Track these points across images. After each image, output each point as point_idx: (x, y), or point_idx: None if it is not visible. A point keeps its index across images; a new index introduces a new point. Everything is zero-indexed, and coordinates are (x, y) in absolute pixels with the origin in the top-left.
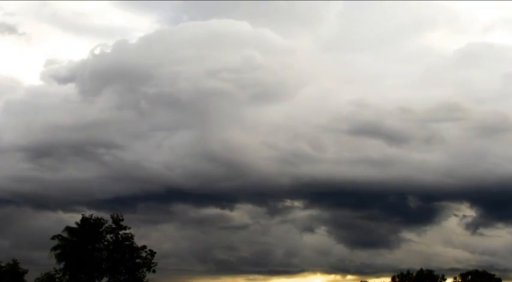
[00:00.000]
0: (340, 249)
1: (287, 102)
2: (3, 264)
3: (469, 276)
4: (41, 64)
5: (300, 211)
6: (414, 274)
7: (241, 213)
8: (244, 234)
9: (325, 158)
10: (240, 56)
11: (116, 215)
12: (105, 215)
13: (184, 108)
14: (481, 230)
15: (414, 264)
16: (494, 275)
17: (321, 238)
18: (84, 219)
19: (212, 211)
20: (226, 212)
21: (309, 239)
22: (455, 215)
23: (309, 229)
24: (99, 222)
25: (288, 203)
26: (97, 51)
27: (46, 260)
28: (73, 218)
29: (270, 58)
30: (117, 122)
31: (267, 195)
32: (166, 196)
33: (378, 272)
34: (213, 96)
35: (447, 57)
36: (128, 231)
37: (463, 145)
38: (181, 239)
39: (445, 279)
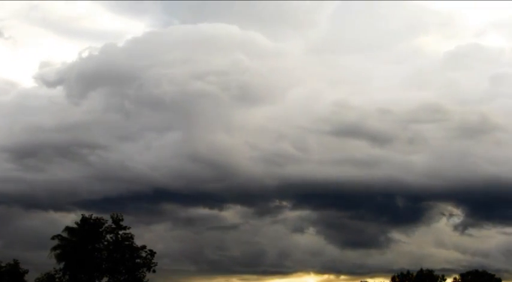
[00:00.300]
0: (331, 250)
1: (273, 104)
2: (3, 264)
3: (469, 276)
4: (31, 67)
5: (288, 212)
6: (414, 274)
7: (230, 214)
8: (234, 234)
9: (311, 159)
10: (227, 58)
11: (115, 215)
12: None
13: (170, 110)
14: (470, 230)
15: (404, 264)
16: (494, 275)
17: (311, 238)
18: (84, 219)
19: (202, 211)
20: (216, 213)
21: (299, 239)
22: (443, 214)
23: (299, 229)
24: (99, 222)
25: (276, 203)
26: (85, 54)
27: (40, 260)
28: (65, 218)
29: (258, 61)
30: (102, 124)
31: (255, 196)
32: (154, 197)
33: (370, 272)
34: (199, 99)
35: (436, 59)
36: (127, 231)
37: (445, 146)
38: (173, 240)
39: (445, 279)
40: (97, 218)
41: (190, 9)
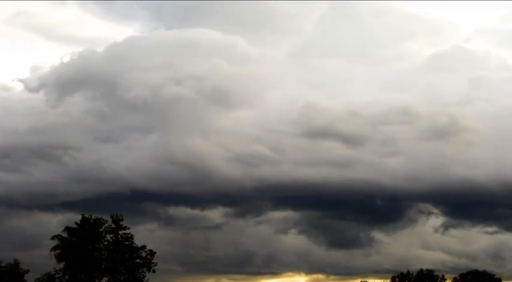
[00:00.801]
0: (316, 250)
1: (250, 108)
2: (3, 264)
3: (469, 276)
4: (17, 71)
5: (270, 212)
6: (414, 274)
7: (212, 215)
8: (218, 235)
9: (286, 160)
10: (206, 63)
11: (115, 215)
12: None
13: (147, 114)
14: (451, 231)
15: (389, 264)
16: (494, 275)
17: (295, 238)
18: (83, 219)
19: (184, 212)
20: (198, 213)
21: (283, 239)
22: (423, 215)
23: (282, 230)
24: (98, 222)
25: (257, 204)
26: (66, 59)
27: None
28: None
29: (237, 65)
30: (80, 126)
31: (234, 197)
32: (134, 198)
33: (358, 272)
34: (176, 102)
35: (418, 63)
36: (127, 231)
37: (416, 148)
38: (160, 240)
39: (445, 279)
40: (97, 218)
41: (178, 16)
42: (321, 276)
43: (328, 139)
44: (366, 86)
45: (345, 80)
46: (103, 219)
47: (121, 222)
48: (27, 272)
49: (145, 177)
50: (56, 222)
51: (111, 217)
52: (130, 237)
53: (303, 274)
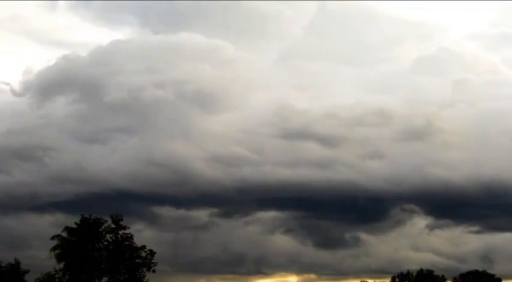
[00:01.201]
0: (305, 250)
1: (231, 111)
2: (3, 264)
3: (469, 276)
4: (7, 75)
5: (256, 213)
6: (414, 274)
7: (197, 215)
8: (206, 235)
9: (267, 161)
10: (190, 67)
11: (115, 215)
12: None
13: (130, 117)
14: (436, 231)
15: (378, 264)
16: (494, 275)
17: (282, 239)
18: (83, 219)
19: (171, 212)
20: (184, 214)
21: (272, 240)
22: (406, 214)
23: (269, 230)
24: (98, 222)
25: (242, 205)
26: (51, 63)
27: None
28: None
29: (221, 69)
30: (62, 128)
31: (217, 198)
32: (119, 198)
33: (347, 273)
34: (158, 105)
35: (405, 65)
36: (127, 231)
37: (395, 149)
38: (148, 240)
39: (445, 279)
40: (96, 217)
41: (167, 21)
42: (312, 276)
43: (308, 140)
44: (349, 88)
45: (328, 82)
46: (103, 219)
47: (121, 222)
48: (27, 272)
49: (129, 178)
50: (43, 223)
51: (111, 217)
52: (130, 237)
53: (294, 274)
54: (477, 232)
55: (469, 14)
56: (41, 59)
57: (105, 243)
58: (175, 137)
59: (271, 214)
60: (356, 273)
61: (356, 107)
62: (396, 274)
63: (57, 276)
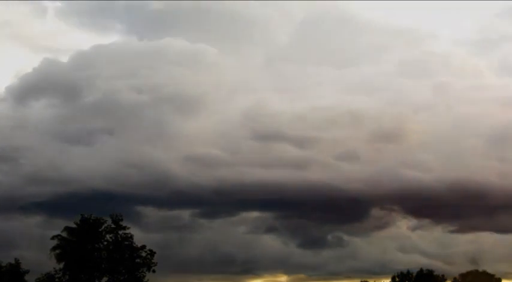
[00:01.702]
0: (291, 251)
1: (209, 114)
2: (3, 264)
3: (469, 276)
4: None
5: (238, 214)
6: (414, 274)
7: (179, 216)
8: (190, 235)
9: (244, 163)
10: (170, 71)
11: (115, 215)
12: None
13: (108, 119)
14: (417, 231)
15: (364, 264)
16: (494, 275)
17: (268, 239)
18: (83, 219)
19: (154, 213)
20: (166, 214)
21: (257, 240)
22: (385, 214)
23: (254, 230)
24: (98, 222)
25: (222, 206)
26: (34, 67)
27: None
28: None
29: (201, 73)
30: (42, 130)
31: (198, 199)
32: (99, 199)
33: (335, 273)
34: (137, 108)
35: (389, 69)
36: (127, 231)
37: (367, 150)
38: (136, 241)
39: (445, 279)
40: (96, 217)
41: (154, 27)
42: (302, 276)
43: (284, 142)
44: (330, 91)
45: (308, 85)
46: (103, 219)
47: (120, 222)
48: (27, 272)
49: (108, 179)
50: (25, 223)
51: (111, 217)
52: (130, 237)
53: (283, 274)
54: (456, 232)
55: (457, 20)
56: (27, 64)
57: (105, 243)
58: (153, 139)
59: (253, 214)
60: (345, 273)
61: (333, 109)
62: (396, 274)
63: (57, 276)
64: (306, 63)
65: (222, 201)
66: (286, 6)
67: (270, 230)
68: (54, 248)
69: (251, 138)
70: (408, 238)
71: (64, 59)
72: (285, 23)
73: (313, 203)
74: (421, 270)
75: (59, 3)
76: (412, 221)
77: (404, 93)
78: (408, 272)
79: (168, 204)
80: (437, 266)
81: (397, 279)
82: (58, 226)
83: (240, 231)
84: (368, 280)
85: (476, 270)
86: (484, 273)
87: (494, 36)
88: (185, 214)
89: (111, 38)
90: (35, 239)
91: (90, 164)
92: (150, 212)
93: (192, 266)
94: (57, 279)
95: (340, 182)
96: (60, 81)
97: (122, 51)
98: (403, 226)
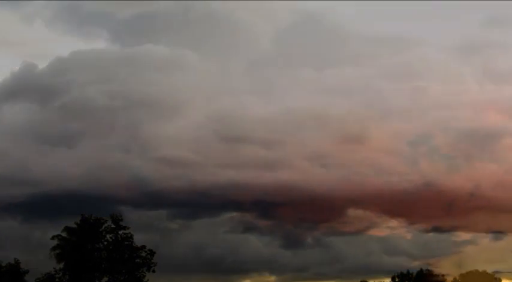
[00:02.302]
0: (275, 251)
1: (182, 118)
2: (3, 264)
3: (469, 276)
4: None
5: (217, 214)
6: (414, 274)
7: (160, 217)
8: (169, 236)
9: (216, 164)
10: (145, 76)
11: (115, 215)
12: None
13: (81, 123)
14: (396, 231)
15: (346, 266)
16: (494, 275)
17: (250, 240)
18: (83, 219)
19: (133, 214)
20: (144, 215)
21: (240, 240)
22: (358, 214)
23: (233, 230)
24: (98, 222)
25: (197, 207)
26: (15, 71)
27: None
28: None
29: (176, 78)
30: (16, 133)
31: (173, 200)
32: (75, 200)
33: (321, 273)
34: (109, 112)
35: (370, 71)
36: (127, 231)
37: (333, 152)
38: None
39: (445, 279)
40: (96, 217)
41: (138, 34)
42: (288, 276)
43: (254, 144)
44: (306, 93)
45: (284, 88)
46: (103, 219)
47: (120, 222)
48: (27, 272)
49: (82, 181)
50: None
51: (111, 217)
52: (130, 237)
53: (270, 274)
54: (427, 231)
55: (441, 27)
56: (7, 70)
57: (105, 243)
58: (127, 142)
59: (231, 215)
60: (333, 274)
61: (306, 111)
62: (396, 274)
63: (57, 276)
64: (285, 67)
65: (198, 202)
66: (270, 11)
67: (249, 230)
68: (54, 248)
69: (222, 141)
70: (390, 238)
71: (43, 64)
72: (268, 27)
73: (288, 204)
74: (421, 270)
75: (45, 11)
76: (390, 221)
77: (381, 96)
78: (408, 272)
79: (145, 205)
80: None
81: (397, 279)
82: (32, 227)
83: (220, 231)
84: (367, 280)
85: (476, 270)
86: (484, 273)
87: (478, 43)
88: (162, 215)
89: (95, 44)
90: (10, 240)
91: (65, 166)
92: (128, 213)
93: (177, 267)
94: (57, 279)
95: (311, 184)
96: (35, 86)
97: (100, 57)
98: (381, 226)
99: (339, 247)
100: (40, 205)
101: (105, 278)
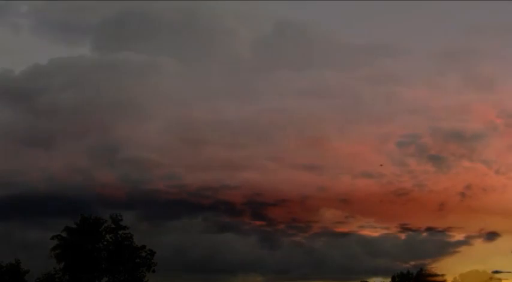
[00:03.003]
0: (251, 251)
1: (151, 121)
2: (3, 264)
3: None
4: None
5: (184, 216)
6: (414, 274)
7: (130, 218)
8: (155, 238)
9: (182, 165)
10: (116, 82)
11: (115, 215)
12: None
13: (56, 126)
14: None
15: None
16: (494, 275)
17: (227, 240)
18: (83, 219)
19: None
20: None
21: (216, 240)
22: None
23: (209, 231)
24: (98, 222)
25: (168, 209)
26: None
27: None
28: None
29: (150, 84)
30: None
31: (143, 202)
32: (40, 201)
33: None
34: (78, 114)
35: (344, 76)
36: (127, 231)
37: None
38: None
39: (445, 280)
40: (96, 217)
41: (118, 41)
42: (275, 276)
43: (218, 145)
44: (277, 95)
45: (257, 91)
46: (103, 219)
47: (120, 222)
48: (27, 272)
49: (53, 183)
50: None
51: (111, 217)
52: (130, 237)
53: (258, 275)
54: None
55: (424, 34)
56: None
57: (105, 243)
58: (95, 144)
59: (202, 215)
60: (315, 275)
61: (275, 113)
62: (396, 274)
63: (57, 276)
64: (262, 72)
65: (167, 203)
66: (250, 18)
67: (224, 230)
68: (54, 248)
69: (190, 144)
70: (372, 239)
71: (20, 70)
72: (247, 34)
73: (258, 204)
74: (421, 270)
75: (31, 18)
76: (364, 221)
77: (353, 100)
78: (408, 271)
79: (115, 206)
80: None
81: (397, 279)
82: None
83: (194, 231)
84: (367, 280)
85: (476, 270)
86: (484, 273)
87: (460, 50)
88: (131, 215)
89: (74, 51)
90: None
91: (36, 167)
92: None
93: (166, 266)
94: (57, 279)
95: (278, 184)
96: (10, 91)
97: (76, 64)
98: (354, 226)
99: (317, 247)
100: (11, 206)
101: (105, 278)
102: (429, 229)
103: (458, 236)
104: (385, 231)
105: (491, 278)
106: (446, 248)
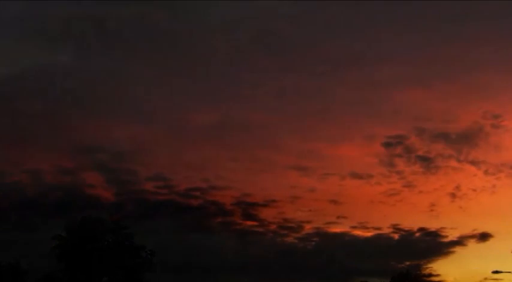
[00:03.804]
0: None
1: (138, 121)
2: (3, 264)
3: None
4: None
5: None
6: (413, 274)
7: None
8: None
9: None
10: (97, 83)
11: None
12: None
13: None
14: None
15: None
16: (493, 275)
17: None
18: (83, 219)
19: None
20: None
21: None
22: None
23: (182, 232)
24: (98, 222)
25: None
26: None
27: None
28: None
29: (124, 89)
30: None
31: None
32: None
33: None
34: (48, 119)
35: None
36: (127, 231)
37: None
38: None
39: (445, 280)
40: (97, 218)
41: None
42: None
43: (202, 145)
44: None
45: (237, 96)
46: (102, 219)
47: (120, 222)
48: (27, 272)
49: (15, 187)
50: None
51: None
52: (130, 237)
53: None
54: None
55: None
56: None
57: (105, 243)
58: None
59: (192, 216)
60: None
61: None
62: (396, 274)
63: (57, 276)
64: (240, 76)
65: (155, 204)
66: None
67: (213, 230)
68: (54, 248)
69: (173, 143)
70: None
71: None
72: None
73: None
74: (420, 270)
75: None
76: (356, 222)
77: (332, 101)
78: (408, 272)
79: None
80: None
81: (397, 279)
82: None
83: (182, 232)
84: (367, 280)
85: (476, 270)
86: (484, 273)
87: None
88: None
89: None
90: None
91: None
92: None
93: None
94: (57, 279)
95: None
96: None
97: (57, 65)
98: (346, 226)
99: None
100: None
101: (105, 278)
102: (421, 229)
103: (452, 237)
104: (378, 232)
105: (491, 278)
106: (440, 249)
